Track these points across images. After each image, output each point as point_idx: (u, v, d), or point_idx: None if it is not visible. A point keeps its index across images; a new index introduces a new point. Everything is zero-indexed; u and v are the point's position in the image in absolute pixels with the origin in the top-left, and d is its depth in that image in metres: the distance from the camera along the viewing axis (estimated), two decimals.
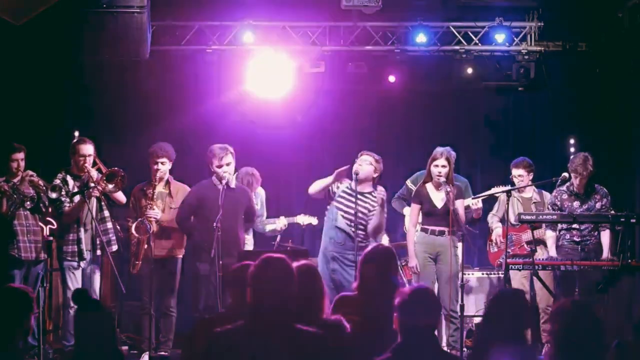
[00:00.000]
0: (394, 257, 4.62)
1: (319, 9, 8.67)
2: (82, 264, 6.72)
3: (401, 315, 3.57)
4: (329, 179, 6.64)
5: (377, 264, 4.45)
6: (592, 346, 3.30)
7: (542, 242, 7.24)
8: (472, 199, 7.40)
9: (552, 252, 7.04)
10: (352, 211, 6.53)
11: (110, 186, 6.73)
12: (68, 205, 6.69)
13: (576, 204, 7.04)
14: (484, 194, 7.66)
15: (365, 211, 6.63)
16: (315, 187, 6.71)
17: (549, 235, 7.12)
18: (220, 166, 6.61)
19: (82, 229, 6.72)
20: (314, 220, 7.48)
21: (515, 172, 7.37)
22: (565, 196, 7.10)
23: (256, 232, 7.62)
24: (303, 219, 7.62)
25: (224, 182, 6.56)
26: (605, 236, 7.00)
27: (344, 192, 6.67)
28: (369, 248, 4.74)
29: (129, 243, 6.97)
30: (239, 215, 6.70)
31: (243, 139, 8.66)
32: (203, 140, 8.82)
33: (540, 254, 7.10)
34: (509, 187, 7.31)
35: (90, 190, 6.62)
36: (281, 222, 7.68)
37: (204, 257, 6.52)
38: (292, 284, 3.44)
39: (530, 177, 7.39)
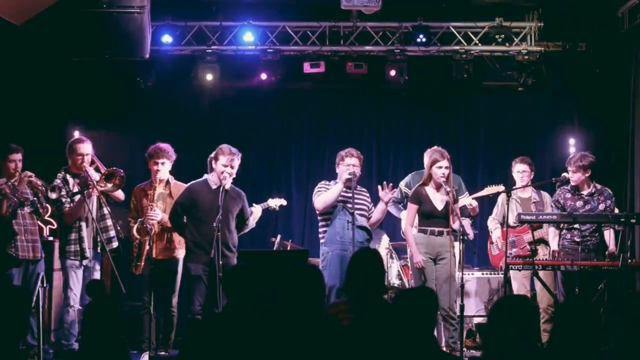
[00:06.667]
0: (380, 258, 4.62)
1: (318, 9, 8.67)
2: (85, 262, 6.73)
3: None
4: (339, 187, 6.75)
5: (366, 266, 4.40)
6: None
7: (543, 242, 7.21)
8: (472, 198, 7.37)
9: (554, 246, 7.00)
10: (366, 208, 6.92)
11: (109, 185, 6.75)
12: (69, 205, 6.70)
13: (579, 203, 6.99)
14: (480, 193, 7.63)
15: (370, 206, 7.04)
16: (327, 199, 6.80)
17: (551, 231, 7.08)
18: (226, 166, 6.62)
19: (83, 228, 6.72)
20: (283, 201, 7.43)
21: (520, 167, 7.31)
22: (568, 195, 7.06)
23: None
24: (274, 202, 7.41)
25: (224, 182, 6.56)
26: (609, 234, 6.94)
27: (351, 194, 6.74)
28: (357, 251, 4.77)
29: (131, 243, 6.97)
30: (232, 218, 6.68)
31: (240, 138, 8.66)
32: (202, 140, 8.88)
33: (542, 253, 7.08)
34: (503, 187, 7.31)
35: (90, 189, 6.63)
36: (257, 211, 7.21)
37: (193, 257, 6.55)
38: None
39: (532, 177, 7.37)
